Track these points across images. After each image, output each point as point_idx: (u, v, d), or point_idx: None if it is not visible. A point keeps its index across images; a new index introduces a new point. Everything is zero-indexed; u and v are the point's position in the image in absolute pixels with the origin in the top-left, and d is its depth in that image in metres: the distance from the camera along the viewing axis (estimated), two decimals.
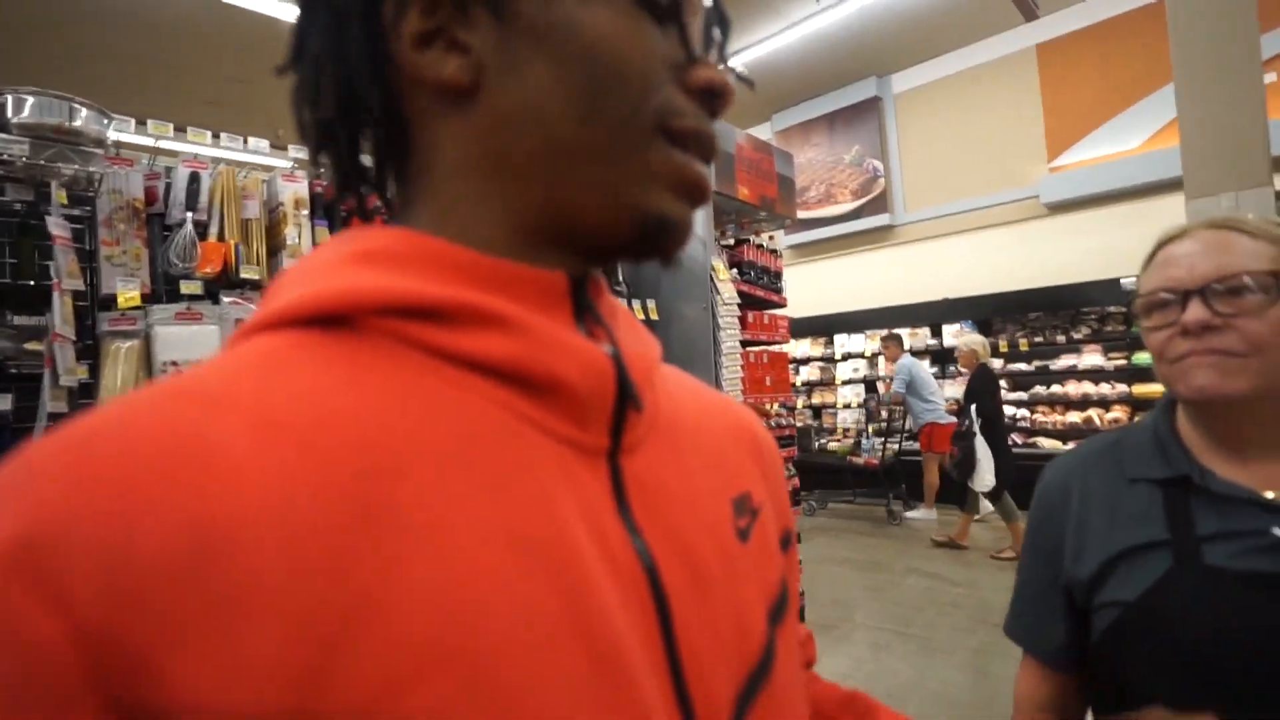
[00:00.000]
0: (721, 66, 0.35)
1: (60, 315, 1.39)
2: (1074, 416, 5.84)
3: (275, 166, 1.98)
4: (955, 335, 6.58)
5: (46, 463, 0.22)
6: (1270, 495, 0.64)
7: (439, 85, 0.31)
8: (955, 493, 5.09)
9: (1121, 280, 5.49)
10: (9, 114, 1.43)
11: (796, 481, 3.19)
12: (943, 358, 6.74)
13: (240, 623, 0.21)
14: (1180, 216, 2.74)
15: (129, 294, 1.56)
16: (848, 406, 7.34)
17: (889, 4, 5.85)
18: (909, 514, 5.95)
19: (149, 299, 1.64)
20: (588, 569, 0.28)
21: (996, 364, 6.36)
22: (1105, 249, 5.94)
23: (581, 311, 0.33)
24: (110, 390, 1.55)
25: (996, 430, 4.48)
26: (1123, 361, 5.64)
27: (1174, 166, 5.27)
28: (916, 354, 6.87)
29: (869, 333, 7.24)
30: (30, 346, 1.51)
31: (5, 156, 1.38)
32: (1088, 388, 5.83)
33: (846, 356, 7.43)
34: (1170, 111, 5.66)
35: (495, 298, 0.30)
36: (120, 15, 4.77)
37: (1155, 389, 5.14)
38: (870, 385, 7.23)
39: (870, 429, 6.93)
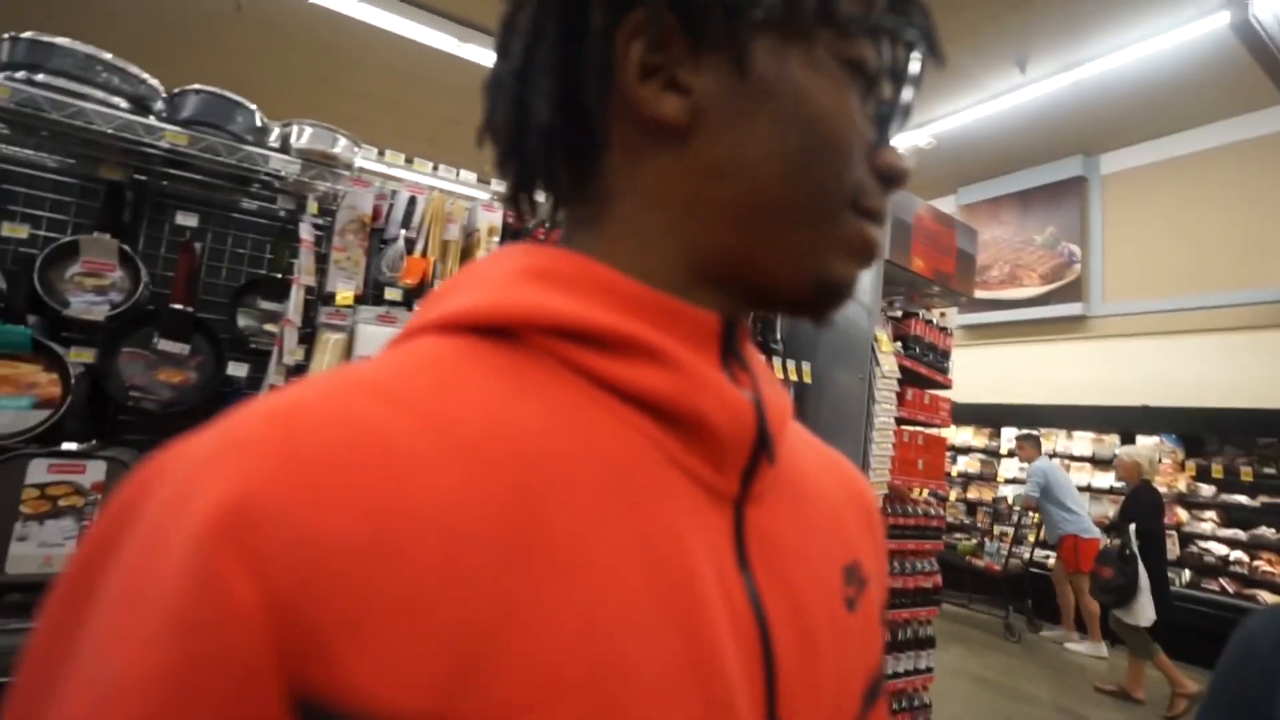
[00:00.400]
0: (906, 159, 0.36)
1: (293, 305, 1.64)
2: None
3: (477, 197, 2.22)
4: (1152, 449, 5.71)
5: (252, 434, 0.23)
6: None
7: (655, 121, 0.31)
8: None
9: None
10: (293, 140, 1.75)
11: (939, 579, 2.89)
12: None
13: (405, 618, 0.21)
14: None
15: (345, 294, 1.80)
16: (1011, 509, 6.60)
17: (1104, 78, 5.37)
18: (1071, 645, 5.17)
19: (360, 300, 1.89)
20: (709, 610, 0.28)
21: (1207, 491, 5.43)
22: None
23: (727, 354, 0.34)
24: (318, 372, 1.79)
25: (1157, 555, 4.04)
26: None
27: None
28: (1099, 463, 6.05)
29: (1044, 430, 6.50)
30: (269, 327, 1.81)
31: (283, 174, 1.68)
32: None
33: (1013, 453, 6.71)
34: None
35: (655, 331, 0.30)
36: (366, 61, 5.66)
37: None
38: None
39: (996, 531, 6.21)
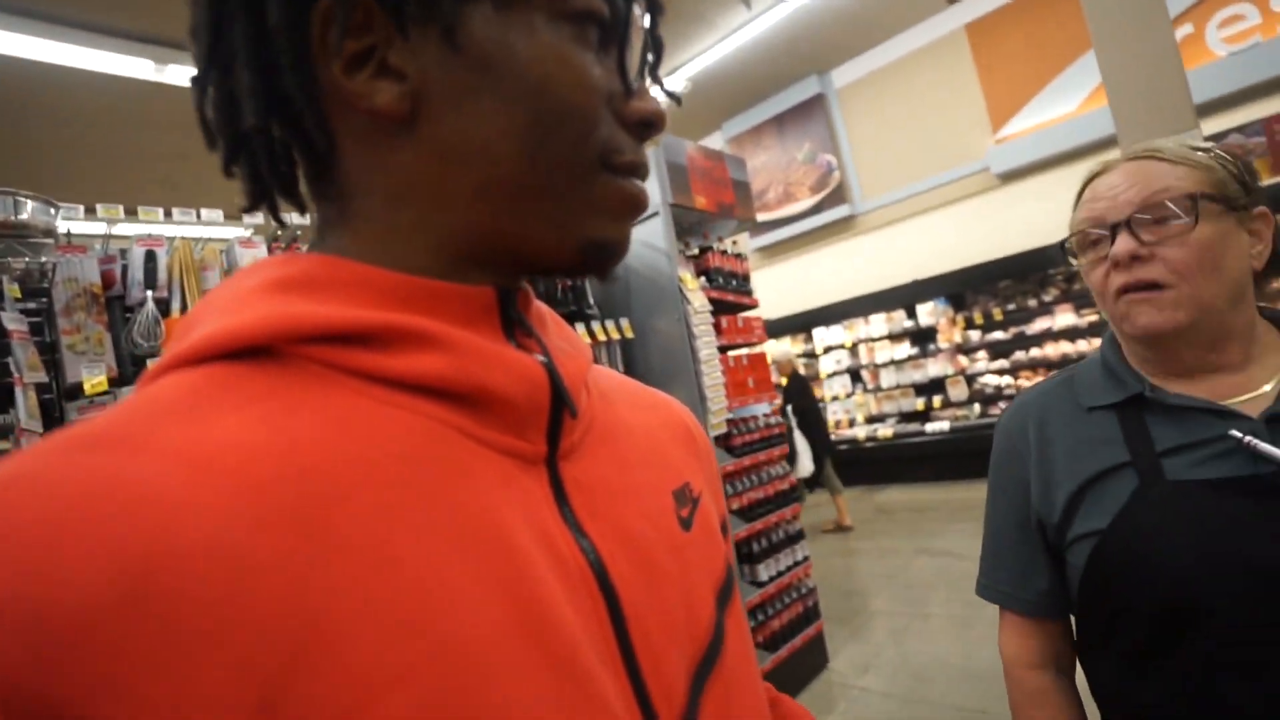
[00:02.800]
0: (653, 89, 0.35)
1: (25, 410, 1.37)
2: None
3: (229, 236, 1.98)
4: (930, 314, 6.68)
5: None
6: (1222, 403, 0.65)
7: (373, 112, 0.30)
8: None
9: None
10: None
11: (793, 479, 3.19)
12: (921, 337, 6.82)
13: (184, 660, 0.20)
14: None
15: (95, 380, 1.55)
16: (835, 398, 7.39)
17: (819, 3, 5.99)
18: None
19: (116, 382, 1.63)
20: (534, 571, 0.28)
21: (975, 336, 6.45)
22: (1060, 210, 5.95)
23: (510, 324, 0.34)
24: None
25: (816, 423, 5.31)
26: (1095, 317, 5.74)
27: (1110, 124, 5.47)
28: (895, 337, 6.96)
29: (846, 323, 7.32)
30: None
31: None
32: (1065, 347, 5.92)
33: (828, 349, 7.51)
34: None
35: (421, 317, 0.30)
36: (52, 110, 4.76)
37: None
38: (855, 374, 7.30)
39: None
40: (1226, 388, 0.66)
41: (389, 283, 0.30)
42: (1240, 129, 4.91)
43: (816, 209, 7.80)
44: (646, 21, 0.36)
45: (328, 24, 0.29)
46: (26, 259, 1.45)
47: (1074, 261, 0.75)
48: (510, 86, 0.30)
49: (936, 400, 6.58)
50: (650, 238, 2.76)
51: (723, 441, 2.89)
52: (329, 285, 0.30)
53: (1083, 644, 0.74)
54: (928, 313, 6.72)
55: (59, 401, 1.58)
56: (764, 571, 2.77)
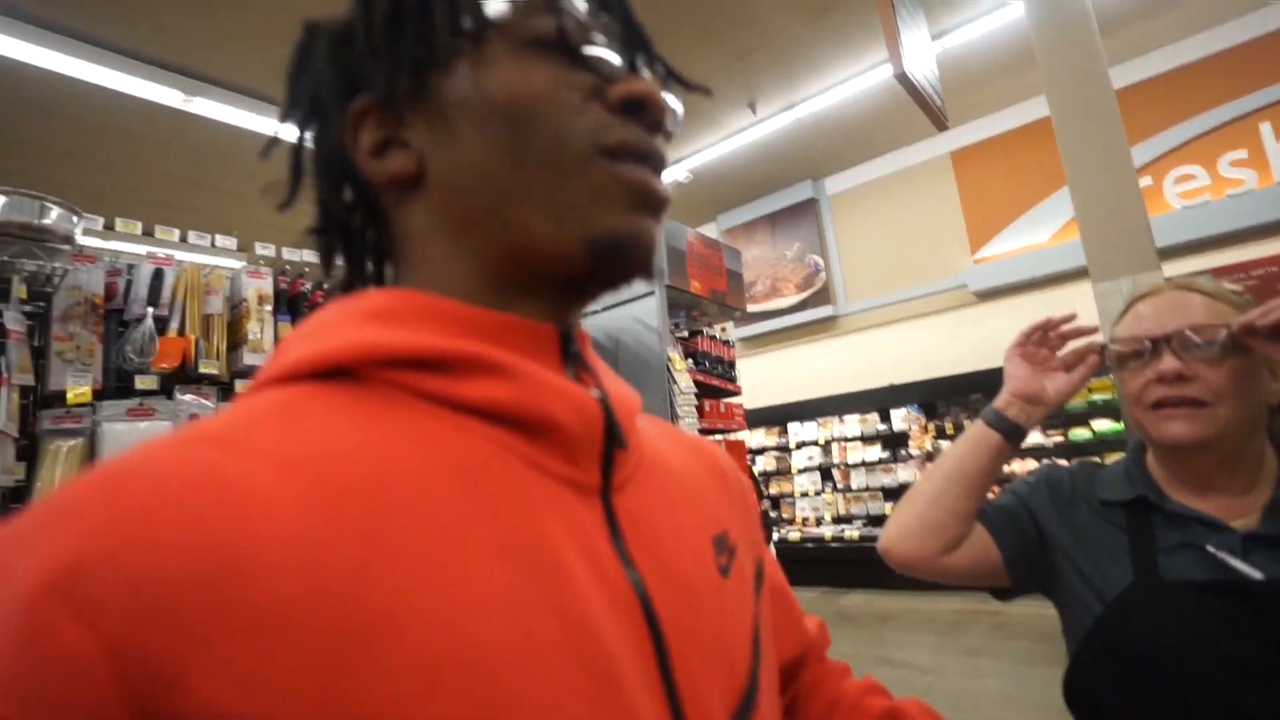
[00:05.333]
0: (649, 82, 0.36)
1: (5, 412, 1.35)
2: None
3: (235, 265, 2.01)
4: (903, 419, 6.81)
5: (85, 500, 0.23)
6: (1217, 517, 0.72)
7: (391, 180, 0.36)
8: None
9: None
10: None
11: None
12: (893, 442, 6.91)
13: (260, 639, 0.22)
14: (1091, 301, 3.02)
15: (79, 390, 1.53)
16: (804, 495, 7.37)
17: (819, 115, 6.43)
18: None
19: (100, 395, 1.61)
20: (581, 591, 0.30)
21: (944, 445, 6.57)
22: None
23: (569, 359, 0.37)
24: (47, 491, 1.48)
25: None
26: (1060, 438, 5.90)
27: (1078, 257, 5.85)
28: (867, 439, 7.04)
29: (821, 420, 7.41)
30: None
31: None
32: (1030, 464, 6.05)
33: (801, 445, 7.55)
34: (1070, 209, 6.31)
35: (490, 346, 0.32)
36: (80, 123, 4.85)
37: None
38: (825, 473, 7.32)
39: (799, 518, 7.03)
40: (1224, 508, 0.74)
41: (460, 314, 0.33)
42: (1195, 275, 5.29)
43: (801, 306, 8.05)
44: (607, 27, 0.37)
45: (353, 132, 0.37)
46: (40, 262, 1.46)
47: (1114, 371, 0.82)
48: (481, 115, 0.34)
49: None
50: (643, 315, 2.84)
51: None
52: (405, 315, 0.33)
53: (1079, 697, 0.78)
54: (901, 418, 6.85)
55: (33, 408, 1.55)
56: None
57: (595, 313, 2.99)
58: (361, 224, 0.40)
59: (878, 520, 6.77)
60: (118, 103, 4.63)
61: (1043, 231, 6.54)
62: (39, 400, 1.56)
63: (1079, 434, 5.79)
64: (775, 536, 6.98)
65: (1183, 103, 5.83)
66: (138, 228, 1.71)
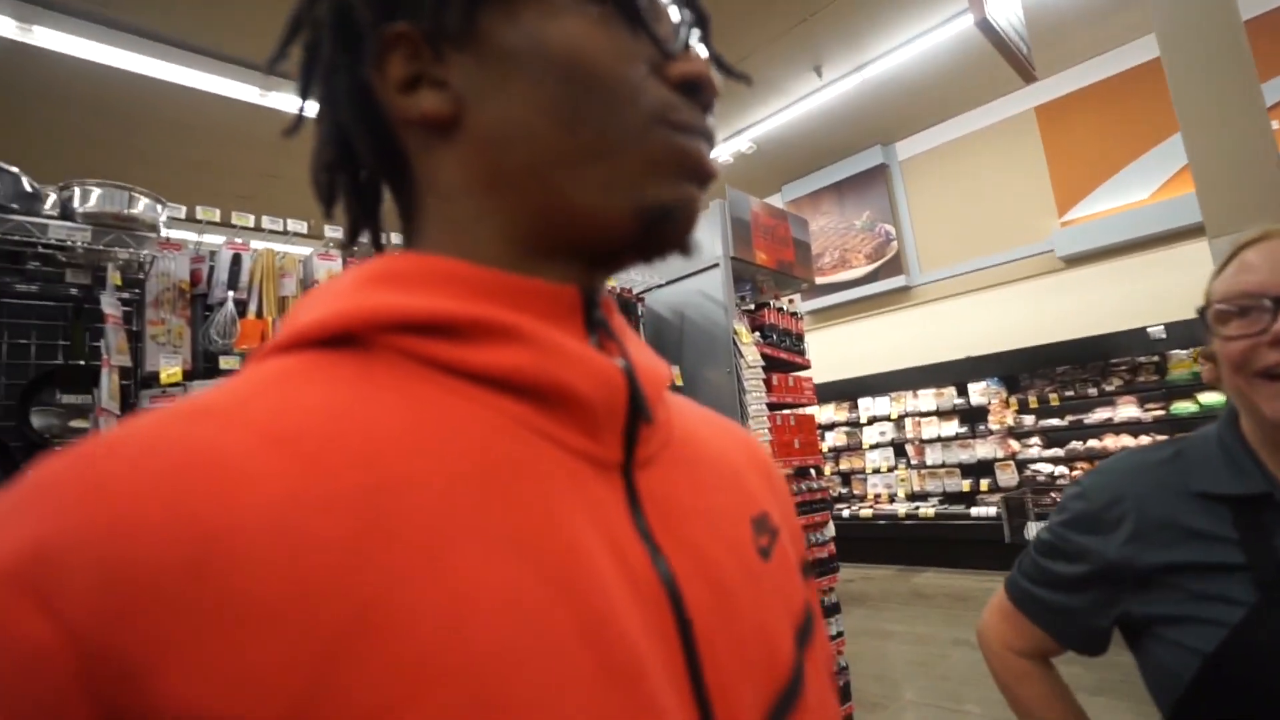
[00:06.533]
0: (706, 62, 0.35)
1: (107, 391, 1.43)
2: None
3: (307, 250, 2.07)
4: (981, 393, 6.49)
5: (57, 479, 0.22)
6: None
7: (422, 120, 0.32)
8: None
9: (1148, 329, 5.42)
10: (75, 204, 1.53)
11: (833, 548, 3.08)
12: (971, 416, 6.61)
13: (238, 634, 0.20)
14: (1199, 261, 2.75)
15: (171, 370, 1.61)
16: (877, 471, 7.18)
17: (888, 77, 6.11)
18: None
19: (190, 375, 1.69)
20: (600, 580, 0.27)
21: (1029, 421, 6.22)
22: (1126, 299, 5.91)
23: (593, 326, 0.34)
24: None
25: None
26: (1160, 412, 5.48)
27: (1185, 214, 5.39)
28: (943, 414, 6.77)
29: (893, 395, 7.16)
30: (76, 424, 1.55)
31: (69, 243, 1.46)
32: (1126, 440, 5.65)
33: (872, 420, 7.33)
34: (1176, 162, 5.76)
35: (505, 310, 0.30)
36: (163, 120, 5.14)
37: None
38: (899, 448, 7.09)
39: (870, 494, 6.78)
40: None
41: (474, 276, 0.31)
42: None
43: (872, 277, 7.76)
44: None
45: (381, 61, 0.33)
46: (130, 250, 1.53)
47: (1212, 332, 0.70)
48: (538, 68, 0.31)
49: (984, 483, 6.32)
50: (708, 288, 2.78)
51: None
52: (415, 278, 0.31)
53: None
54: (979, 392, 6.53)
55: (135, 388, 1.64)
56: None
57: (659, 286, 2.95)
58: (374, 170, 0.36)
59: (955, 497, 6.53)
60: (198, 100, 4.87)
61: (1143, 188, 6.03)
62: (138, 381, 1.66)
63: (1182, 408, 5.36)
64: (845, 513, 6.84)
65: None
66: (216, 214, 1.78)
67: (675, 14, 0.35)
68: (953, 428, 6.67)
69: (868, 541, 6.55)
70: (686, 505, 0.34)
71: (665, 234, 0.33)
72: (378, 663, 0.22)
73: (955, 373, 6.72)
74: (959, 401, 6.69)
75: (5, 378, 1.59)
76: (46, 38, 4.14)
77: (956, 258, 7.18)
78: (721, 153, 6.58)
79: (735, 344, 2.73)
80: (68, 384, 1.60)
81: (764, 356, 2.89)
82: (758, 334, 3.03)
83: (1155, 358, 5.67)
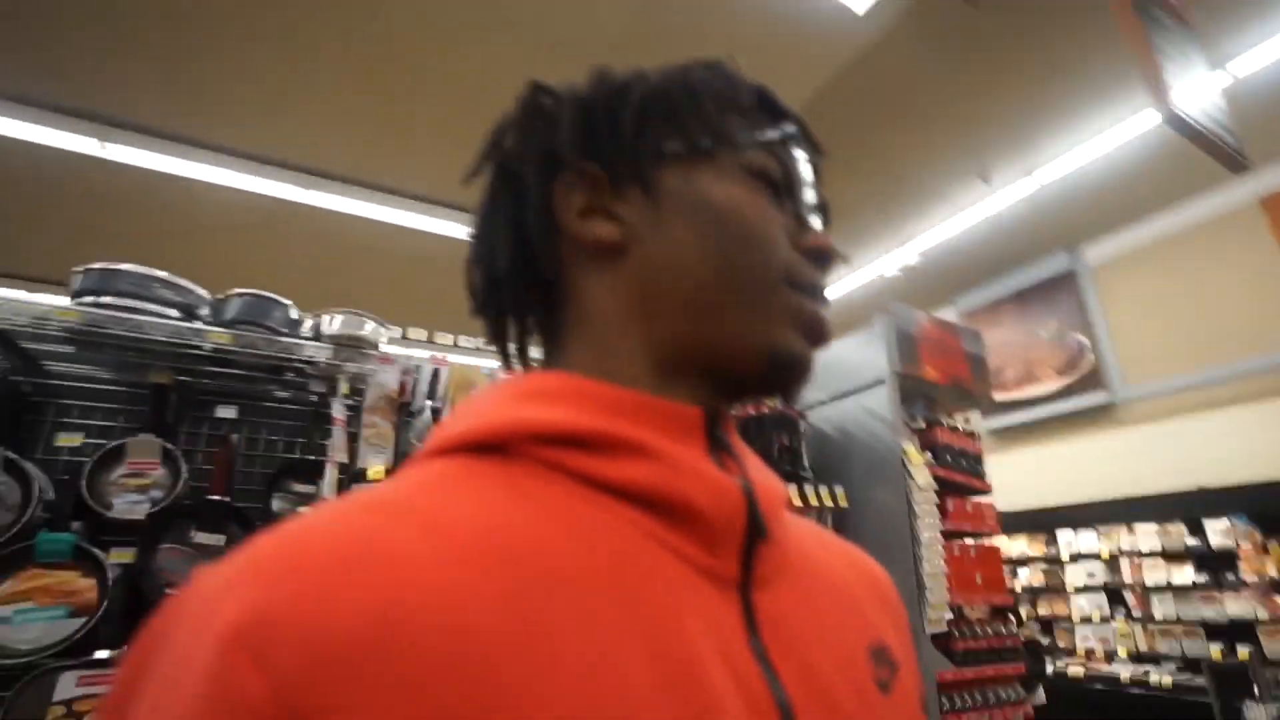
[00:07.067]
0: (828, 235, 0.41)
1: (328, 483, 1.67)
2: None
3: (494, 365, 2.34)
4: (1225, 534, 5.34)
5: (267, 558, 0.26)
6: None
7: (596, 244, 0.38)
8: None
9: None
10: (324, 327, 1.89)
11: (1029, 709, 2.60)
12: (1212, 562, 5.41)
13: (405, 696, 0.23)
14: None
15: (377, 468, 1.84)
16: (1086, 620, 6.04)
17: (1067, 179, 5.74)
18: None
19: (389, 473, 1.92)
20: (717, 692, 0.28)
21: None
22: None
23: (715, 445, 0.36)
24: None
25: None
26: None
27: None
28: (1173, 556, 5.63)
29: (1102, 529, 6.13)
30: (303, 510, 1.83)
31: (315, 359, 1.79)
32: None
33: (1076, 557, 6.28)
34: None
35: (636, 427, 0.33)
36: (378, 255, 6.19)
37: None
38: (1114, 594, 5.96)
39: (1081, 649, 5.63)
40: None
41: (609, 395, 0.35)
42: None
43: (1065, 393, 6.95)
44: (811, 174, 0.42)
45: (569, 189, 0.39)
46: (357, 365, 1.84)
47: None
48: (700, 217, 0.36)
49: (1242, 651, 5.04)
50: (874, 405, 2.67)
51: (941, 643, 2.49)
52: (558, 395, 0.35)
53: None
54: (1221, 531, 5.38)
55: (349, 482, 1.89)
56: None
57: (821, 403, 2.88)
58: (533, 296, 0.42)
59: (1196, 665, 5.24)
60: (408, 238, 5.81)
61: None
62: (351, 476, 1.91)
63: None
64: (1050, 670, 5.76)
65: None
66: (424, 334, 2.09)
67: (809, 195, 0.42)
68: (1188, 574, 5.51)
69: (1080, 707, 5.42)
70: (803, 628, 0.34)
71: (786, 379, 0.37)
72: None
73: (1184, 505, 5.63)
74: (1192, 542, 5.55)
75: (260, 467, 1.92)
76: (316, 198, 5.26)
77: (1171, 370, 6.24)
78: (887, 267, 6.47)
79: (905, 465, 2.55)
80: (301, 475, 1.90)
81: (937, 479, 2.66)
82: (929, 454, 2.81)
83: None
